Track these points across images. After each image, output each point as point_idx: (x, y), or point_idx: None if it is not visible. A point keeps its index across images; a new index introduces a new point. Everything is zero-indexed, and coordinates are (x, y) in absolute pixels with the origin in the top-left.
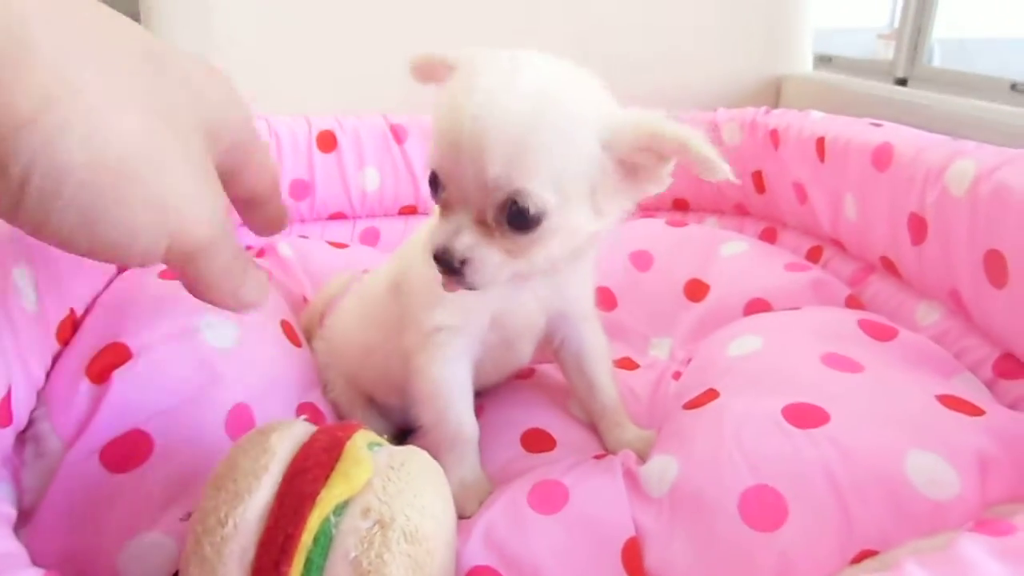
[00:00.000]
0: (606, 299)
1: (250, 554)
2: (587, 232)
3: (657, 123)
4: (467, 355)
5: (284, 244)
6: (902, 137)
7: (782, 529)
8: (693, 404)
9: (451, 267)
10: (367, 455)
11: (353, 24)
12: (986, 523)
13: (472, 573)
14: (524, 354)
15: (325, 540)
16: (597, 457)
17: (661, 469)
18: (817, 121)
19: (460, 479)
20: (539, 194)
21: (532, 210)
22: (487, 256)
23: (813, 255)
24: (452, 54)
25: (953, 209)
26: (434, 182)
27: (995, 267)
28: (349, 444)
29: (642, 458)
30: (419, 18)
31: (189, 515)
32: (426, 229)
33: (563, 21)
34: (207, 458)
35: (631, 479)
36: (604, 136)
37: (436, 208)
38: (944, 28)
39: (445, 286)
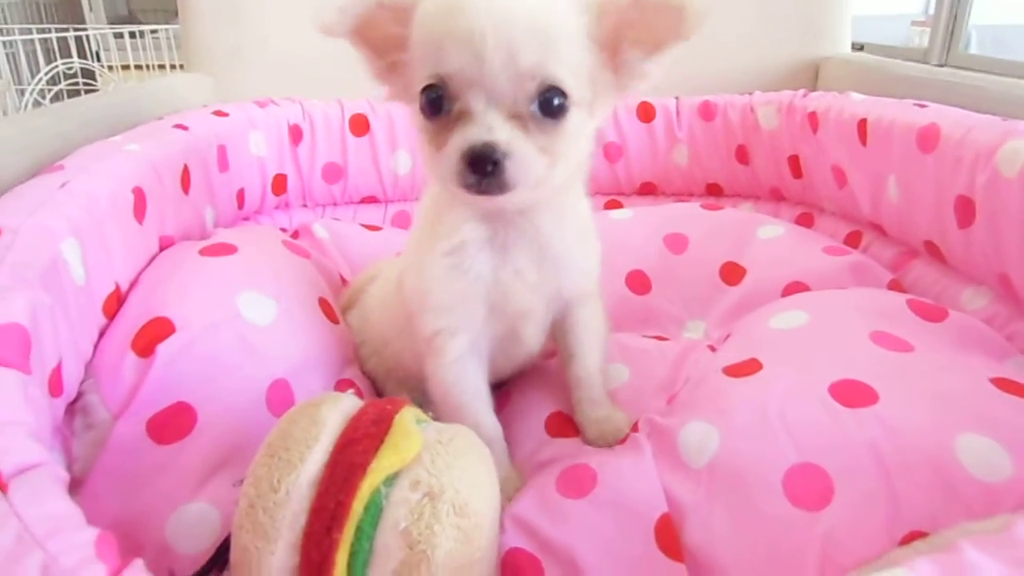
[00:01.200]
0: (640, 282)
1: (302, 520)
2: (589, 133)
3: None
4: (474, 353)
5: (318, 225)
6: (949, 118)
7: (828, 509)
8: (734, 371)
9: (488, 167)
10: (416, 428)
11: None
12: None
13: (509, 554)
14: (533, 341)
15: (375, 510)
16: (620, 441)
17: (701, 438)
18: (858, 103)
19: None
20: (568, 80)
21: (564, 97)
22: (527, 149)
23: (852, 240)
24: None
25: (1005, 190)
26: (436, 96)
27: None
28: (398, 418)
29: (607, 443)
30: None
31: (241, 481)
32: (435, 155)
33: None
34: (249, 431)
35: (667, 447)
36: (593, 13)
37: (429, 130)
38: (980, 14)
39: (473, 195)
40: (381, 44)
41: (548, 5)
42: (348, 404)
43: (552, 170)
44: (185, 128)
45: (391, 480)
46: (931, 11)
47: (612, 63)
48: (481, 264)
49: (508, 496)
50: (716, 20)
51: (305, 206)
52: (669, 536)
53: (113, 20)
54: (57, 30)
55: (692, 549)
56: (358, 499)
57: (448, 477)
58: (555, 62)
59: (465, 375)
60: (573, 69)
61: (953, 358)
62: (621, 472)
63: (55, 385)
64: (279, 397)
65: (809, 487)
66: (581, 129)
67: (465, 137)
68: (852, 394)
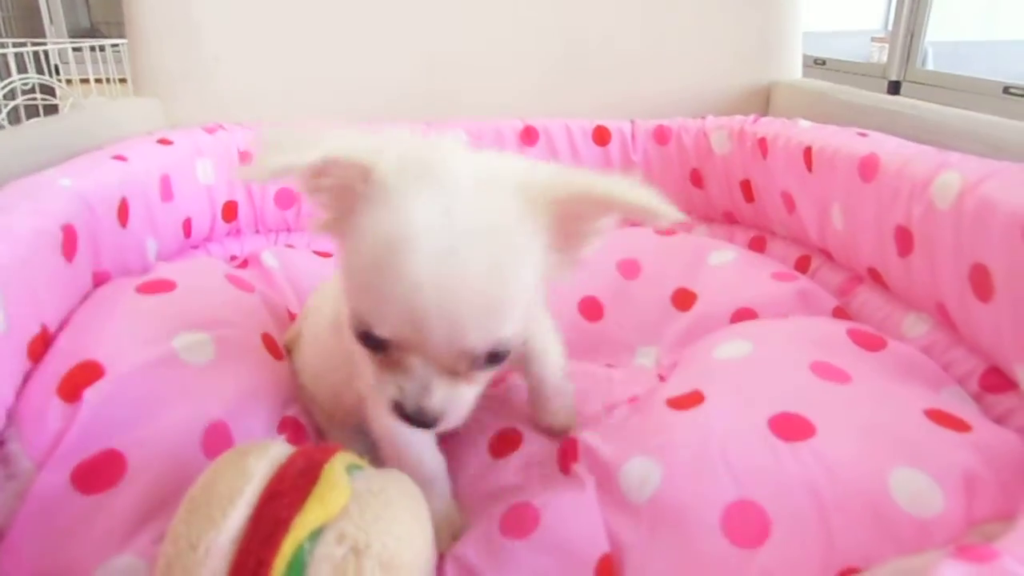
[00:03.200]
0: (593, 309)
1: None
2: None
3: (584, 185)
4: None
5: (268, 253)
6: (888, 148)
7: (764, 546)
8: (677, 404)
9: (427, 425)
10: (344, 479)
11: (337, 35)
12: (968, 549)
13: None
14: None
15: (299, 567)
16: (564, 470)
17: (643, 474)
18: (804, 130)
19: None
20: (517, 332)
21: (511, 347)
22: (463, 399)
23: (801, 264)
24: (368, 158)
25: (938, 223)
26: (372, 340)
27: (981, 281)
28: (327, 467)
29: (565, 431)
30: (405, 27)
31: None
32: (371, 375)
33: (554, 29)
34: (182, 477)
35: (608, 483)
36: (542, 222)
37: (374, 357)
38: (937, 31)
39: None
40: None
41: (497, 262)
42: (277, 452)
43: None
44: (124, 159)
45: (316, 535)
46: (890, 28)
47: (561, 247)
48: None
49: (453, 536)
50: (671, 44)
51: (258, 232)
52: (608, 575)
53: (74, 32)
54: (15, 44)
55: None
56: (280, 557)
57: (376, 530)
58: (505, 328)
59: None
60: (523, 313)
61: (889, 389)
62: (563, 510)
63: None
64: (216, 439)
65: (747, 525)
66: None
67: (400, 391)
68: (790, 427)
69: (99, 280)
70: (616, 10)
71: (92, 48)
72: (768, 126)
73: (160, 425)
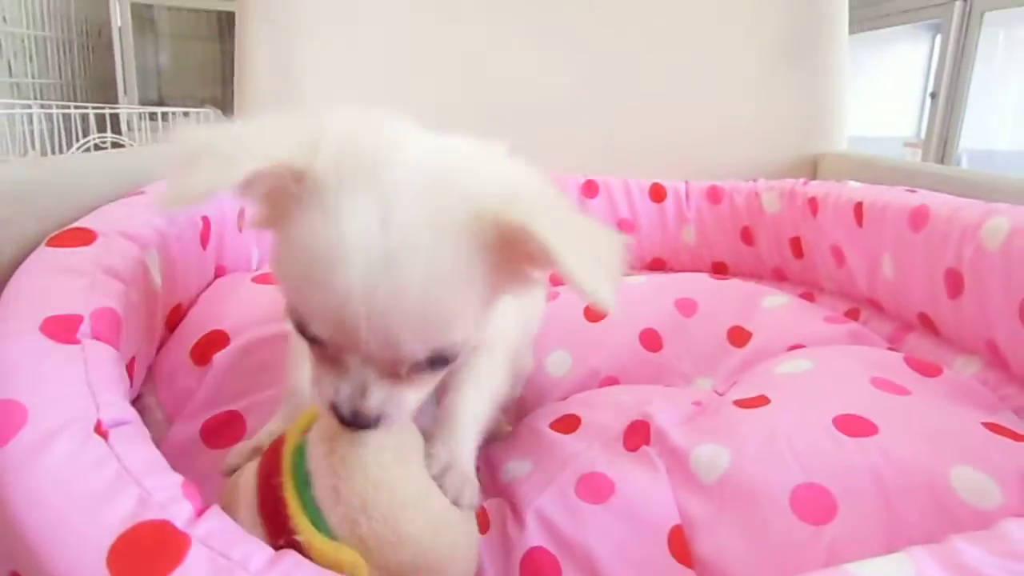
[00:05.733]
0: (652, 340)
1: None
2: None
3: (532, 225)
4: None
5: None
6: (937, 200)
7: (831, 523)
8: (744, 404)
9: (363, 427)
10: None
11: (421, 102)
12: None
13: (530, 554)
14: None
15: (302, 451)
16: (629, 448)
17: (712, 457)
18: (855, 189)
19: None
20: (460, 339)
21: (456, 352)
22: (403, 402)
23: (850, 316)
24: (299, 163)
25: (989, 262)
26: (308, 334)
27: None
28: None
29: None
30: (479, 84)
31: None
32: (313, 371)
33: (622, 93)
34: None
35: (680, 465)
36: (488, 238)
37: (313, 350)
38: (971, 138)
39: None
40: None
41: (434, 272)
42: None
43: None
44: None
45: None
46: (923, 134)
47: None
48: None
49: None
50: (722, 115)
51: None
52: (681, 545)
53: (144, 103)
54: (94, 107)
55: (702, 557)
56: (285, 453)
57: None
58: (444, 336)
59: None
60: (468, 323)
61: (947, 405)
62: (637, 484)
63: (128, 377)
64: None
65: (814, 504)
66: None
67: (335, 390)
68: (854, 426)
69: (218, 273)
70: (675, 89)
71: (163, 116)
72: (819, 187)
73: (273, 393)
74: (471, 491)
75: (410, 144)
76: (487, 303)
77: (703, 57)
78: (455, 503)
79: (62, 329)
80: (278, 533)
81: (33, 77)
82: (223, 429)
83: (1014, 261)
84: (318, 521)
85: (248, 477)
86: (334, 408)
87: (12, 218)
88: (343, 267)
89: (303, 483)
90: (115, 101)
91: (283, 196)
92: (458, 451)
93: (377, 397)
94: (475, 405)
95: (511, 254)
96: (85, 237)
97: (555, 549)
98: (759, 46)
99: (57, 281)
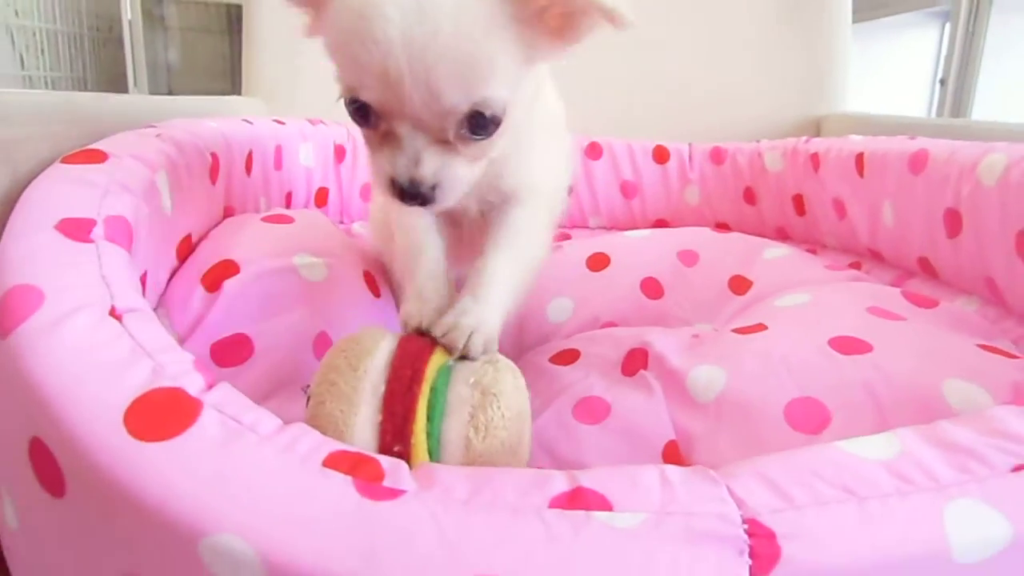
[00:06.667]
0: (653, 288)
1: (380, 388)
2: (530, 100)
3: None
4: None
5: (356, 225)
6: (937, 144)
7: (825, 432)
8: (742, 331)
9: (419, 195)
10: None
11: None
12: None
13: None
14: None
15: (446, 372)
16: (627, 374)
17: (708, 378)
18: (856, 141)
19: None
20: (499, 95)
21: (496, 112)
22: (457, 173)
23: (853, 268)
24: None
25: (986, 198)
26: (362, 111)
27: None
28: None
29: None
30: None
31: (307, 386)
32: (369, 157)
33: (629, 61)
34: (297, 368)
35: (676, 386)
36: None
37: (369, 134)
38: None
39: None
40: None
41: (465, 17)
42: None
43: (487, 162)
44: (251, 123)
45: (454, 359)
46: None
47: (543, 31)
48: None
49: (437, 310)
50: (725, 78)
51: (342, 222)
52: (675, 458)
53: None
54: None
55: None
56: (430, 366)
57: (500, 356)
58: (482, 86)
59: (416, 216)
60: (503, 78)
61: (943, 330)
62: (633, 405)
63: (140, 287)
64: (324, 348)
65: (808, 416)
66: (521, 105)
67: (391, 164)
68: (848, 345)
69: (227, 213)
70: (681, 53)
71: None
72: (820, 143)
73: (281, 321)
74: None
75: None
76: (521, 60)
77: (705, 20)
78: (463, 355)
79: (76, 229)
80: (395, 434)
81: (45, 70)
82: (231, 349)
83: (1011, 194)
84: (433, 434)
85: (377, 371)
86: (392, 183)
87: (28, 138)
88: (381, 20)
89: (438, 401)
90: (125, 94)
91: None
92: (484, 315)
93: (430, 164)
94: (505, 266)
95: (534, 5)
96: (97, 157)
97: (552, 465)
98: (761, 9)
99: (71, 190)
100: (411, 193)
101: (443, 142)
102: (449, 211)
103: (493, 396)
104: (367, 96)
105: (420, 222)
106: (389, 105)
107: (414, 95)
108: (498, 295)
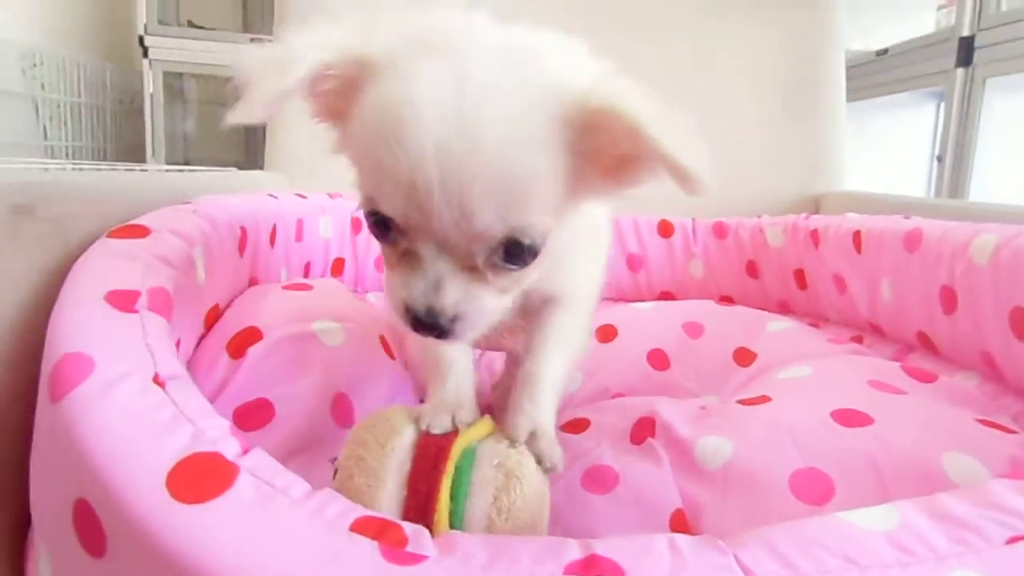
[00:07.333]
0: (660, 360)
1: (406, 467)
2: (576, 234)
3: (617, 100)
4: None
5: (371, 295)
6: (930, 223)
7: (830, 503)
8: (747, 402)
9: (437, 327)
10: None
11: None
12: (1015, 471)
13: None
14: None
15: (471, 454)
16: (635, 442)
17: (715, 448)
18: (853, 219)
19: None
20: (540, 223)
21: (535, 242)
22: (482, 305)
23: (855, 342)
24: (360, 49)
25: (979, 276)
26: (381, 224)
27: (1020, 322)
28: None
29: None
30: None
31: (335, 459)
32: (385, 281)
33: None
34: (316, 431)
35: (684, 455)
36: (569, 121)
37: (388, 251)
38: (979, 196)
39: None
40: (324, 103)
41: (513, 133)
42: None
43: (521, 292)
44: (276, 198)
45: (478, 441)
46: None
47: (598, 169)
48: None
49: (458, 420)
50: (729, 161)
51: (356, 291)
52: (682, 527)
53: (172, 164)
54: (126, 168)
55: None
56: (455, 447)
57: (521, 448)
58: (522, 212)
59: None
60: (547, 205)
61: (942, 403)
62: (641, 474)
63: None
64: (342, 408)
65: (813, 486)
66: (565, 237)
67: (407, 288)
68: (851, 418)
69: (252, 283)
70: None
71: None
72: (820, 220)
73: (301, 385)
74: (558, 455)
75: (488, 26)
76: (568, 193)
77: (708, 103)
78: (547, 468)
79: (123, 300)
80: (418, 511)
81: (67, 140)
82: (253, 413)
83: (1002, 273)
84: (456, 513)
85: (403, 449)
86: (407, 310)
87: (79, 214)
88: (415, 123)
89: (462, 481)
90: (143, 163)
91: (350, 89)
92: (541, 417)
93: (453, 293)
94: (555, 368)
95: (594, 142)
96: (140, 232)
97: (562, 536)
98: (762, 94)
99: (117, 264)
100: (428, 324)
101: (470, 268)
102: None
103: (516, 479)
104: (388, 208)
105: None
106: (413, 221)
107: (443, 213)
108: (552, 400)
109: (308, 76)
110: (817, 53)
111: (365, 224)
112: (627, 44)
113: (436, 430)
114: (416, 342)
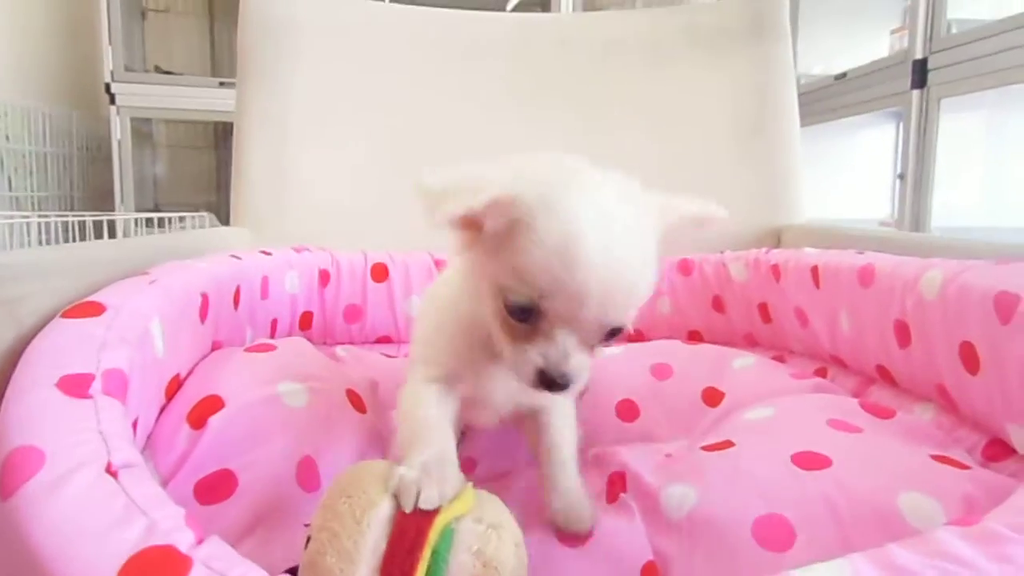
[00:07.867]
0: (629, 410)
1: (381, 546)
2: None
3: (686, 207)
4: (444, 386)
5: (339, 349)
6: (881, 259)
7: (791, 550)
8: (710, 448)
9: (563, 387)
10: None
11: (406, 176)
12: (960, 519)
13: None
14: (493, 416)
15: (449, 536)
16: (610, 502)
17: (680, 496)
18: (811, 254)
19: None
20: (635, 313)
21: (628, 327)
22: (587, 368)
23: (819, 375)
24: (517, 194)
25: (929, 311)
26: (525, 312)
27: (969, 356)
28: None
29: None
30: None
31: (308, 524)
32: (509, 349)
33: None
34: (281, 498)
35: (651, 504)
36: (659, 232)
37: (508, 322)
38: (944, 217)
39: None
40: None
41: (642, 259)
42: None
43: None
44: (239, 258)
45: (457, 520)
46: (896, 214)
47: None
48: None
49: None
50: (690, 197)
51: (325, 343)
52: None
53: (140, 211)
54: (92, 216)
55: None
56: (433, 529)
57: (504, 517)
58: (637, 304)
59: (432, 389)
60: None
61: (898, 441)
62: (614, 529)
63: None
64: (307, 472)
65: (775, 532)
66: None
67: (545, 357)
68: (810, 461)
69: (215, 347)
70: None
71: (160, 222)
72: (780, 254)
73: (265, 451)
74: (594, 514)
75: (591, 172)
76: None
77: (671, 155)
78: (587, 528)
79: (76, 386)
80: None
81: (33, 191)
82: (215, 485)
83: (950, 308)
84: None
85: (380, 526)
86: (542, 374)
87: (31, 294)
88: (586, 247)
89: (439, 569)
90: (112, 210)
91: (503, 219)
92: (576, 483)
93: (575, 361)
94: (571, 439)
95: (664, 239)
96: (95, 310)
97: None
98: (720, 140)
99: (70, 346)
100: (558, 384)
101: (585, 344)
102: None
103: (495, 569)
104: (547, 305)
105: (433, 398)
106: (564, 315)
107: (594, 310)
108: (574, 464)
109: (489, 204)
110: (767, 90)
111: (504, 310)
112: (579, 107)
113: (424, 505)
114: (408, 400)
